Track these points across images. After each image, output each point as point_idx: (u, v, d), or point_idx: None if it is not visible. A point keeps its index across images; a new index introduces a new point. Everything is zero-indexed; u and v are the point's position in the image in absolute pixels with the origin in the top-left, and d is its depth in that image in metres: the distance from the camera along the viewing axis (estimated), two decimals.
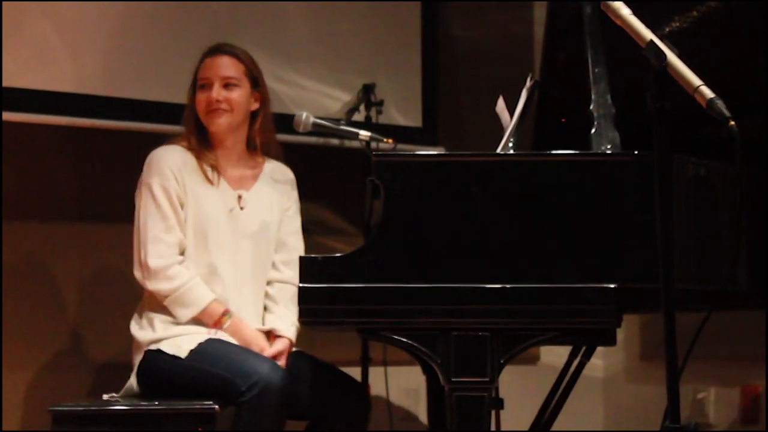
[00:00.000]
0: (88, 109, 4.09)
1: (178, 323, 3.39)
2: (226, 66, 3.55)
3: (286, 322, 3.50)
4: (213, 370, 3.25)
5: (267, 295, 3.57)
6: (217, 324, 3.40)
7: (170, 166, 3.45)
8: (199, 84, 3.54)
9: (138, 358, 3.40)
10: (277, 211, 3.61)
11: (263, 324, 3.51)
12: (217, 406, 3.15)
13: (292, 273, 3.49)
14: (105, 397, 3.34)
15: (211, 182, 3.50)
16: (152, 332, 3.39)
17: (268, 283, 3.57)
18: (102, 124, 4.13)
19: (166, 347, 3.35)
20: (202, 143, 3.53)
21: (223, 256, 3.46)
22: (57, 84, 4.03)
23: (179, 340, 3.36)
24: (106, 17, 4.11)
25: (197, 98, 3.54)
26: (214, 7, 4.34)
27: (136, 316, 3.48)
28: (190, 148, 3.51)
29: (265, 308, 3.56)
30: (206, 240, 3.45)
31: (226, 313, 3.41)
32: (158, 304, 3.41)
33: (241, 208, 3.53)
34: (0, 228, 4.04)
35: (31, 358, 4.12)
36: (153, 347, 3.37)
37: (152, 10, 4.20)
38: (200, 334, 3.38)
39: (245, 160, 3.61)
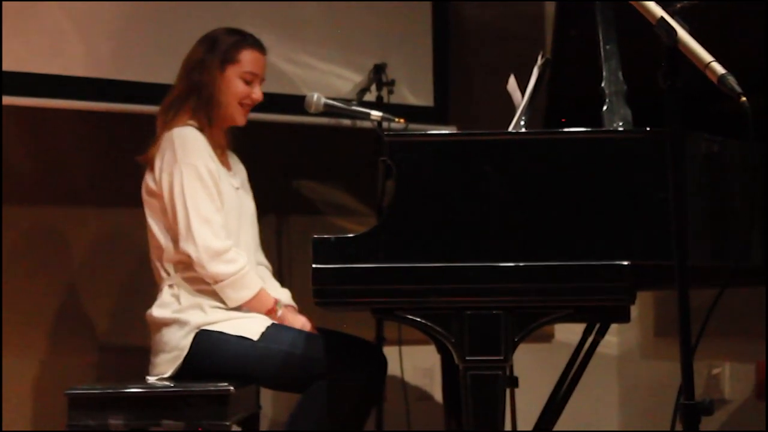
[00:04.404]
0: (100, 92, 4.08)
1: (227, 308, 3.35)
2: (264, 66, 3.59)
3: (282, 294, 3.56)
4: (293, 351, 3.27)
5: None
6: (271, 312, 3.40)
7: (207, 149, 3.42)
8: (245, 78, 3.52)
9: (179, 341, 3.32)
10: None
11: None
12: (232, 388, 3.17)
13: (262, 254, 3.68)
14: (151, 379, 3.33)
15: (222, 164, 3.51)
16: (203, 314, 3.33)
17: None
18: (114, 108, 4.12)
19: (230, 329, 3.31)
20: (213, 123, 3.50)
21: (235, 237, 3.46)
22: (69, 68, 4.03)
23: (243, 323, 3.33)
24: (117, 1, 4.11)
25: (240, 88, 3.52)
26: None
27: (167, 299, 3.38)
28: (201, 128, 3.47)
29: None
30: (228, 222, 3.44)
31: (277, 302, 3.42)
32: (201, 288, 3.35)
33: (239, 188, 3.57)
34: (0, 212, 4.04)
35: (41, 343, 4.13)
36: (211, 328, 3.32)
37: None
38: (262, 318, 3.36)
39: (224, 144, 3.62)
